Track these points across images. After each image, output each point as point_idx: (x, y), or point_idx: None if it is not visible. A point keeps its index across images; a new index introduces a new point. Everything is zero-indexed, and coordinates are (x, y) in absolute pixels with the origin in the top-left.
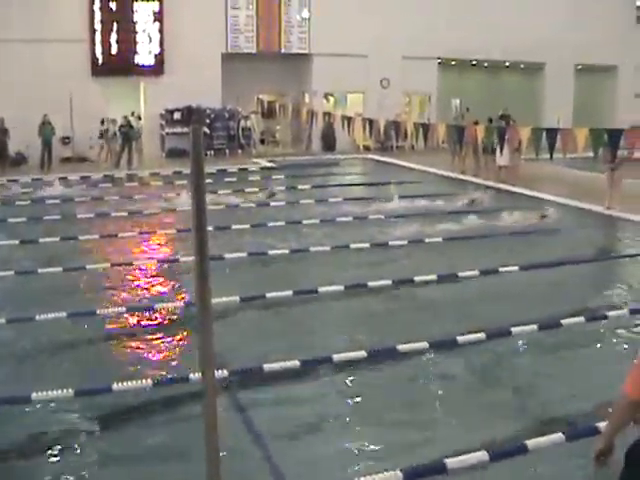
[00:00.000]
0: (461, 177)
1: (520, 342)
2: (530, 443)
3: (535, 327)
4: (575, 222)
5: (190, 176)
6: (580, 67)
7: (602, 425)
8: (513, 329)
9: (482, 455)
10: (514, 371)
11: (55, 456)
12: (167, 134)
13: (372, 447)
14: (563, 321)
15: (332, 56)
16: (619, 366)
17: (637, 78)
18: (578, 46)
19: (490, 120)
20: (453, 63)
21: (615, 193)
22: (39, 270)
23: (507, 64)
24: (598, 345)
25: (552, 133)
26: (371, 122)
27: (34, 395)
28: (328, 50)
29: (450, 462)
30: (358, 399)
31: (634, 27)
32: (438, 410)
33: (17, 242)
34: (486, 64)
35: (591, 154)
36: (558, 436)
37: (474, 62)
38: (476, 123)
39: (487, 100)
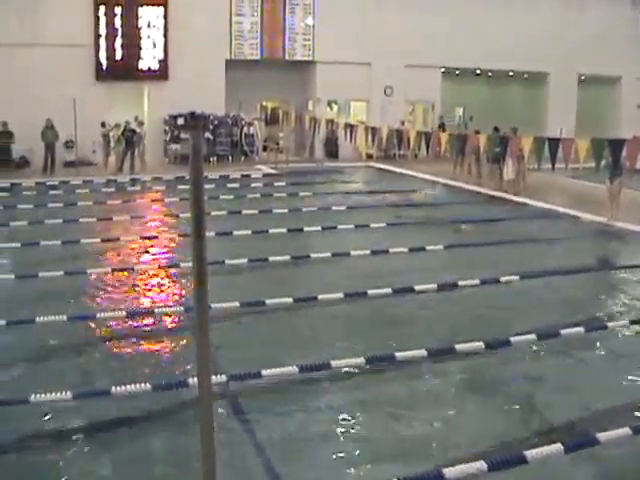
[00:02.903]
0: (463, 186)
1: (520, 351)
2: (529, 454)
3: (534, 336)
4: (577, 232)
5: (190, 181)
6: (583, 77)
7: (601, 435)
8: (512, 339)
9: (480, 465)
10: (514, 380)
11: (53, 459)
12: (170, 139)
13: (369, 455)
14: (562, 331)
15: (336, 64)
16: (618, 376)
17: None
18: (582, 56)
19: (496, 129)
20: (457, 72)
21: (616, 204)
22: (40, 274)
23: (511, 74)
24: (597, 355)
25: (554, 143)
26: (374, 130)
27: (32, 397)
28: (332, 58)
29: (448, 472)
30: (355, 406)
31: (638, 38)
32: (436, 419)
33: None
34: (490, 73)
35: (593, 164)
36: (557, 447)
37: (478, 71)
38: (477, 132)
39: (491, 109)
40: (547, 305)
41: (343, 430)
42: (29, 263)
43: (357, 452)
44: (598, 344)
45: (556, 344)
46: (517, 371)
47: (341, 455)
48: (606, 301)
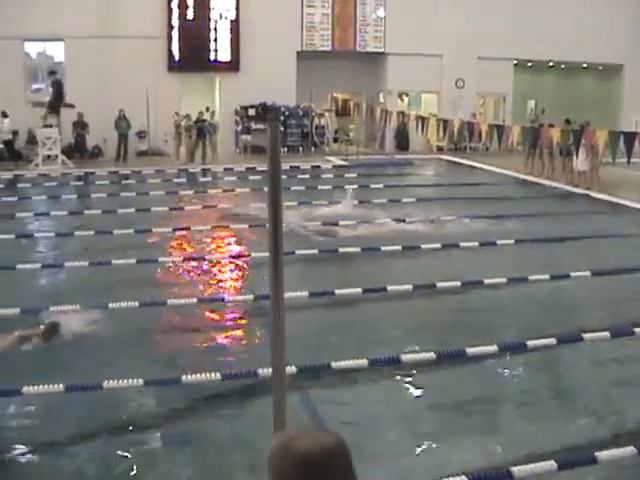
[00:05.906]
0: (535, 180)
1: (592, 349)
2: (600, 455)
3: (608, 334)
4: None
5: (268, 172)
6: None
7: None
8: (585, 335)
9: (550, 465)
10: (586, 378)
11: (125, 443)
12: (241, 130)
13: (438, 449)
14: (637, 330)
15: (407, 55)
16: None
17: None
18: None
19: (567, 121)
20: (529, 64)
21: None
22: (113, 261)
23: (585, 65)
24: None
25: (630, 137)
26: (445, 122)
27: (105, 383)
28: (403, 49)
29: (517, 470)
30: (425, 400)
31: None
32: (507, 415)
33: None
34: (563, 66)
35: None
36: (629, 449)
37: (551, 64)
38: (551, 126)
39: (563, 102)
40: (618, 303)
41: (411, 423)
42: (102, 251)
43: (422, 444)
44: None
45: (629, 343)
46: (591, 369)
47: (408, 448)
48: None
